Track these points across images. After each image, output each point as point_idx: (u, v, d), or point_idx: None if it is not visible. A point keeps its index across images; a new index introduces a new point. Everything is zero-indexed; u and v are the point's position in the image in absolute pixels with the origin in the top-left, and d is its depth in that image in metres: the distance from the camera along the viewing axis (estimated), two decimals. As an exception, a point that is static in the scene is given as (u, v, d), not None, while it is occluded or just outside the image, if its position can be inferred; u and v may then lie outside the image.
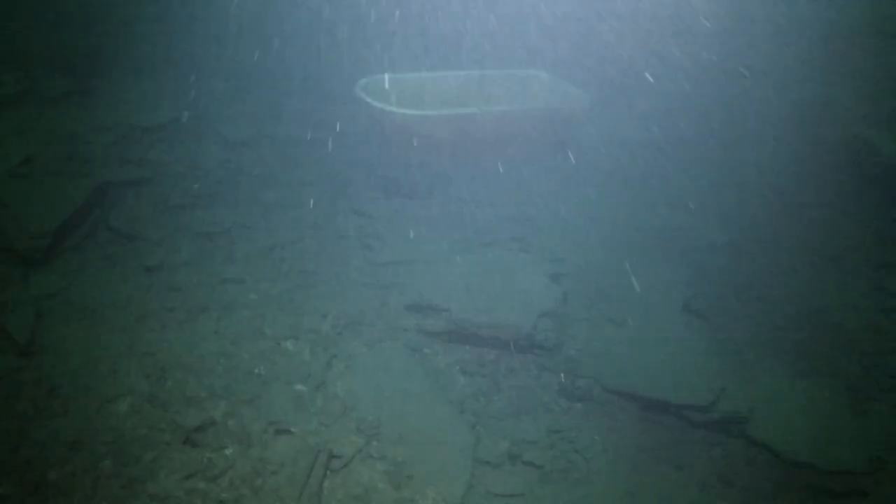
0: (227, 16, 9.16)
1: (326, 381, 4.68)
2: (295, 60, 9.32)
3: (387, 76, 7.65)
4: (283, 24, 9.55)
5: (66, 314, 5.04)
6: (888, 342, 5.75)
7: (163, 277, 5.39)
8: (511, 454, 4.50)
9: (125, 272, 5.41)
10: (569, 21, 9.71)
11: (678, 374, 5.02)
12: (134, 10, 9.11)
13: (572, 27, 9.76)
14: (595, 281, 5.88)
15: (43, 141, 6.75)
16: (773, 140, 8.52)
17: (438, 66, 8.44)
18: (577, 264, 6.04)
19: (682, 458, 4.72)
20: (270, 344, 4.89)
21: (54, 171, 6.39)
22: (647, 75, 9.24)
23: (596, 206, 6.92)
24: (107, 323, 4.94)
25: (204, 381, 4.55)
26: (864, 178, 7.63)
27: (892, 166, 7.37)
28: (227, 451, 4.16)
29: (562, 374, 5.08)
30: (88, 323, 4.96)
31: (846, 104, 9.11)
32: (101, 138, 7.13)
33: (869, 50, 8.68)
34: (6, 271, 5.34)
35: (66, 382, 4.43)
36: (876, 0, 8.72)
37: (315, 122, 7.91)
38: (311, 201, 6.40)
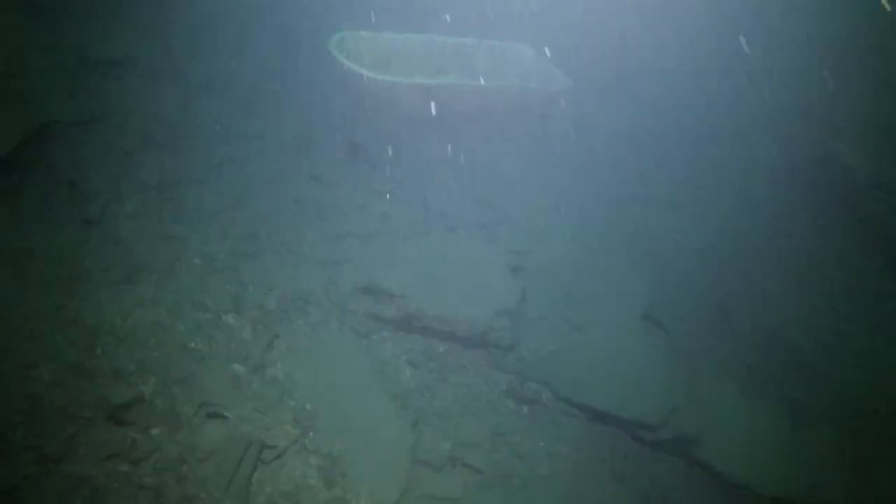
0: None
1: (265, 363, 4.45)
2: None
3: (362, 34, 7.26)
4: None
5: (-11, 262, 4.68)
6: (836, 365, 5.74)
7: (102, 231, 5.03)
8: (452, 456, 4.38)
9: (61, 221, 5.03)
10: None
11: (631, 387, 4.92)
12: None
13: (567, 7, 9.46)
14: (557, 278, 5.70)
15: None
16: (752, 145, 8.41)
17: (421, 28, 8.06)
18: (540, 259, 5.85)
19: (625, 471, 4.66)
20: (210, 316, 4.62)
21: (-10, 90, 5.92)
22: (638, 63, 9.03)
23: (566, 197, 6.72)
24: (35, 277, 4.59)
25: (135, 353, 4.28)
26: (836, 196, 7.56)
27: (864, 187, 7.29)
28: (154, 433, 3.93)
29: (512, 375, 4.93)
30: (14, 275, 4.60)
31: (823, 116, 9.02)
32: (50, 65, 6.62)
33: (849, 61, 8.58)
34: (-74, 208, 4.94)
35: (-16, 339, 4.11)
36: (861, 13, 8.56)
37: (282, 69, 7.49)
38: (269, 159, 6.06)
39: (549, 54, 7.89)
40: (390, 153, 6.41)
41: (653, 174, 7.45)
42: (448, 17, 8.36)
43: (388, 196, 5.99)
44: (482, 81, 6.99)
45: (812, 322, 6.11)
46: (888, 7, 7.79)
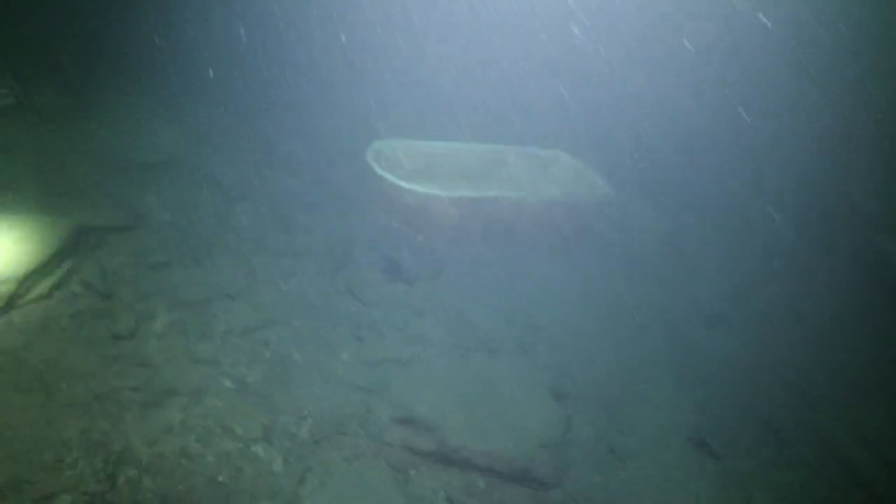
0: (237, 45, 8.80)
1: (296, 500, 4.16)
2: (306, 104, 8.97)
3: (400, 142, 7.24)
4: (296, 60, 9.21)
5: (17, 380, 4.50)
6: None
7: (132, 348, 4.85)
8: None
9: (92, 337, 4.87)
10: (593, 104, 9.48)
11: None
12: (144, 30, 8.75)
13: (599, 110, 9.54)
14: (601, 403, 5.43)
15: (27, 164, 6.26)
16: (797, 250, 8.25)
17: (460, 134, 8.08)
18: (585, 382, 5.59)
19: None
20: (239, 446, 4.37)
21: (32, 203, 5.89)
22: (682, 169, 8.97)
23: (609, 311, 6.50)
24: (61, 397, 4.40)
25: (159, 483, 4.02)
26: (884, 292, 7.33)
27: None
28: (174, 580, 3.62)
29: (557, 516, 4.60)
30: (41, 394, 4.41)
31: (869, 210, 8.92)
32: (89, 170, 6.64)
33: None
34: (-42, 318, 4.81)
35: (3, 469, 3.87)
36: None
37: (319, 177, 7.48)
38: (305, 275, 5.91)
39: (590, 161, 7.85)
40: (429, 269, 6.26)
41: (697, 286, 7.23)
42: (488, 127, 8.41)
43: (426, 316, 5.78)
44: (523, 193, 6.90)
45: (874, 440, 5.74)
46: None
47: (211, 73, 8.57)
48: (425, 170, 7.35)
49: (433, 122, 9.04)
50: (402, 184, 6.25)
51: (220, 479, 4.15)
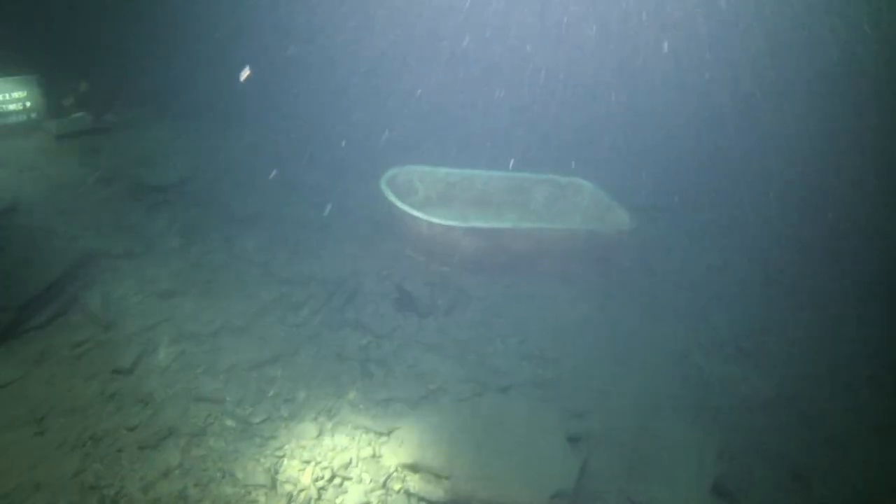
0: (254, 76, 8.74)
1: (297, 553, 3.95)
2: (322, 128, 8.85)
3: (417, 168, 7.06)
4: (314, 86, 9.12)
5: (13, 413, 4.35)
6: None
7: (132, 383, 4.69)
8: None
9: (91, 370, 4.71)
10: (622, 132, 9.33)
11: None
12: (171, 51, 8.72)
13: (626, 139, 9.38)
14: (618, 447, 5.17)
15: (40, 183, 6.15)
16: (816, 280, 8.02)
17: (478, 160, 7.91)
18: (601, 424, 5.34)
19: None
20: (240, 492, 4.17)
21: (40, 225, 5.77)
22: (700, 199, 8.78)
23: (627, 346, 6.25)
24: (56, 435, 4.23)
25: (153, 535, 3.82)
26: None
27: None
28: None
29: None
30: (36, 430, 4.25)
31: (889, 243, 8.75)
32: (99, 190, 6.53)
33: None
34: (-46, 348, 4.67)
35: (-9, 515, 3.71)
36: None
37: (333, 203, 7.31)
38: (314, 306, 5.72)
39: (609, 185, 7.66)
40: (443, 301, 6.05)
41: (717, 319, 6.98)
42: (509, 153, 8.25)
43: (438, 351, 5.57)
44: (541, 224, 6.68)
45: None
46: None
47: (226, 101, 8.53)
48: (441, 197, 7.16)
49: (452, 146, 8.89)
50: (416, 213, 6.05)
51: (218, 528, 3.95)
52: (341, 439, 4.62)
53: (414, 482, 4.48)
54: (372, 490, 4.38)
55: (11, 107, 7.21)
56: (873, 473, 5.59)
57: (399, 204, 6.13)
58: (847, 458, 5.69)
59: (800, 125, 9.91)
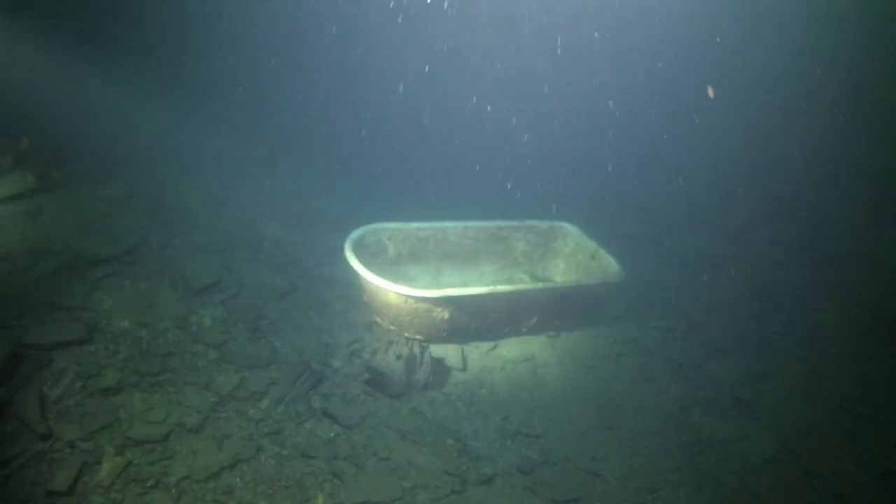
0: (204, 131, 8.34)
1: None
2: (287, 184, 8.43)
3: (386, 226, 6.59)
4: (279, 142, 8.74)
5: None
6: None
7: (68, 509, 4.16)
8: None
9: (23, 494, 4.17)
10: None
11: None
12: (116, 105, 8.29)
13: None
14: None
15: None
16: (813, 312, 7.70)
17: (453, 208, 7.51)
18: (594, 509, 4.90)
19: None
20: None
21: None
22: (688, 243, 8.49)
23: (619, 411, 5.84)
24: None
25: None
26: None
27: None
28: None
29: None
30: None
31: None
32: (38, 265, 6.00)
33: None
34: None
35: None
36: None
37: (297, 269, 6.84)
38: (275, 395, 5.23)
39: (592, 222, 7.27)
40: (416, 377, 5.59)
41: (713, 367, 6.60)
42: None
43: (413, 437, 5.10)
44: (522, 286, 6.22)
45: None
46: None
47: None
48: (413, 253, 6.71)
49: (427, 196, 8.49)
50: (383, 284, 5.58)
51: None
52: (308, 564, 4.14)
53: None
54: None
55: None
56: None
57: (365, 274, 5.65)
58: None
59: (791, 138, 9.61)
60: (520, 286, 6.10)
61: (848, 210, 9.59)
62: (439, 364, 5.87)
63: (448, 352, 6.05)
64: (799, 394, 6.51)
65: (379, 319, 6.07)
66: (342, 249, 6.16)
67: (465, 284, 6.82)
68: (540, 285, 6.16)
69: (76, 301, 5.70)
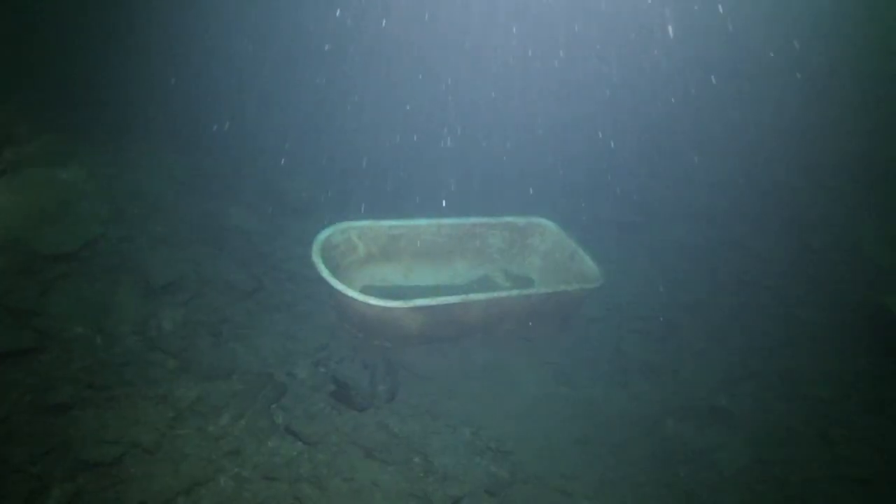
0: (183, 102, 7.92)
1: None
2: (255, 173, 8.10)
3: (355, 224, 6.34)
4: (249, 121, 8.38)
5: None
6: None
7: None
8: None
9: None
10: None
11: None
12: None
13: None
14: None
15: None
16: (795, 318, 7.60)
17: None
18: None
19: None
20: None
21: None
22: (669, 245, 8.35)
23: (592, 422, 5.70)
24: None
25: None
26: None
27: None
28: None
29: None
30: None
31: (877, 262, 8.48)
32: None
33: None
34: None
35: None
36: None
37: (264, 263, 6.58)
38: (236, 408, 5.03)
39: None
40: (384, 387, 5.40)
41: (688, 372, 6.48)
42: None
43: (379, 452, 4.94)
44: (497, 293, 6.00)
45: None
46: None
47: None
48: (384, 252, 6.47)
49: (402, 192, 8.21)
50: (351, 294, 5.35)
51: None
52: None
53: None
54: None
55: None
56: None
57: (333, 282, 5.42)
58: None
59: (770, 126, 9.45)
60: (493, 294, 5.87)
61: (831, 201, 9.45)
62: (409, 372, 5.69)
63: (418, 360, 5.85)
64: (775, 397, 6.42)
65: (347, 326, 5.86)
66: (310, 245, 5.92)
67: (438, 283, 6.62)
68: (515, 293, 5.94)
69: (27, 305, 5.42)
